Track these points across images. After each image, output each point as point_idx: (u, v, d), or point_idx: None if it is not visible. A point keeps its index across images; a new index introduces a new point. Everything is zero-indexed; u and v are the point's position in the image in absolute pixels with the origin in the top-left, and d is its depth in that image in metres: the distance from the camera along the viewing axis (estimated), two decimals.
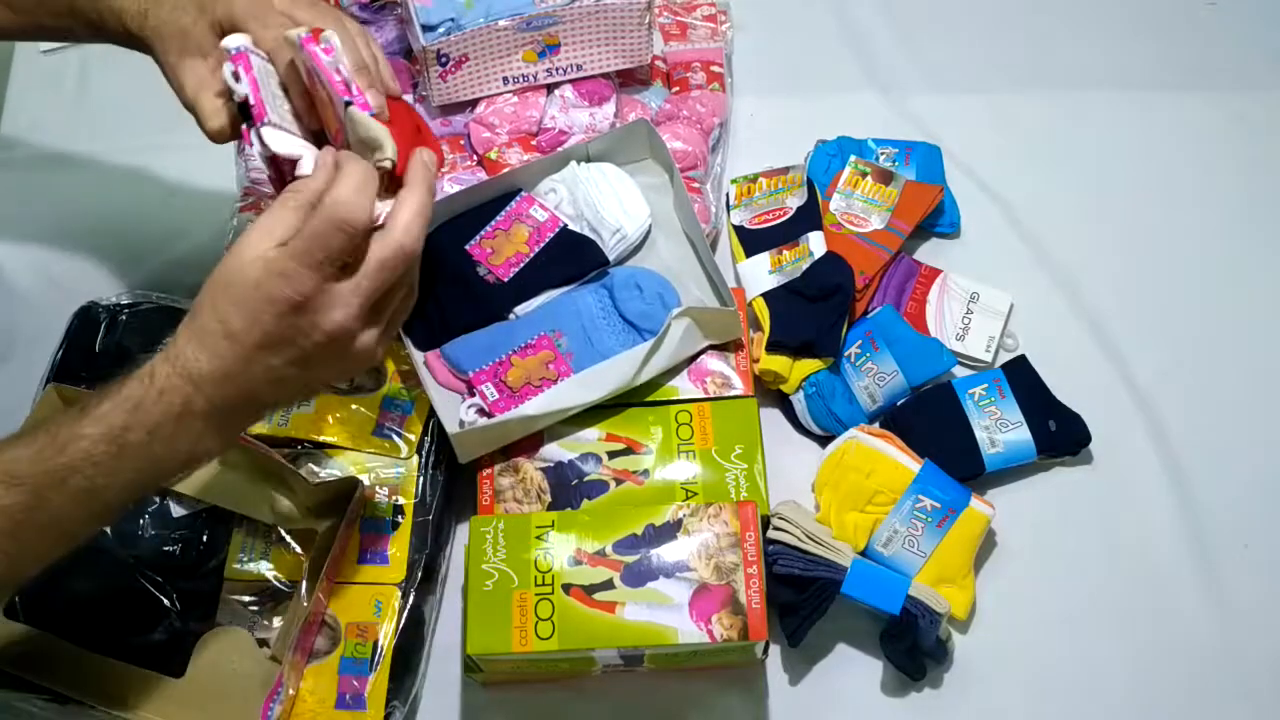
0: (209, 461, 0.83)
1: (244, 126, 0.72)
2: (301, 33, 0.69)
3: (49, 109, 1.16)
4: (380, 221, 0.66)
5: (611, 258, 0.95)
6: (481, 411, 0.89)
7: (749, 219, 1.02)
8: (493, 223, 0.96)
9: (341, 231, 0.62)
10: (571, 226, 0.96)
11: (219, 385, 0.63)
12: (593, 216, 0.96)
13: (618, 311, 0.93)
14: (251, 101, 0.69)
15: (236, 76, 0.70)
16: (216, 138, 0.74)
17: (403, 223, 0.65)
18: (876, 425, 0.94)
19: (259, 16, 0.72)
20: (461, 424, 0.89)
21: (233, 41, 0.70)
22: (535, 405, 0.86)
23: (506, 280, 0.95)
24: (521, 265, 0.94)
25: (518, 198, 0.97)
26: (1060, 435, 0.93)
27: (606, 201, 0.96)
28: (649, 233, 0.98)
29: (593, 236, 0.96)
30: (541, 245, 0.95)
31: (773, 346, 0.94)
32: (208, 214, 1.05)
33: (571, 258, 0.95)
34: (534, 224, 0.96)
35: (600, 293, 0.94)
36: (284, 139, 0.69)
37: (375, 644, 0.82)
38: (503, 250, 0.95)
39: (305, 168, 0.69)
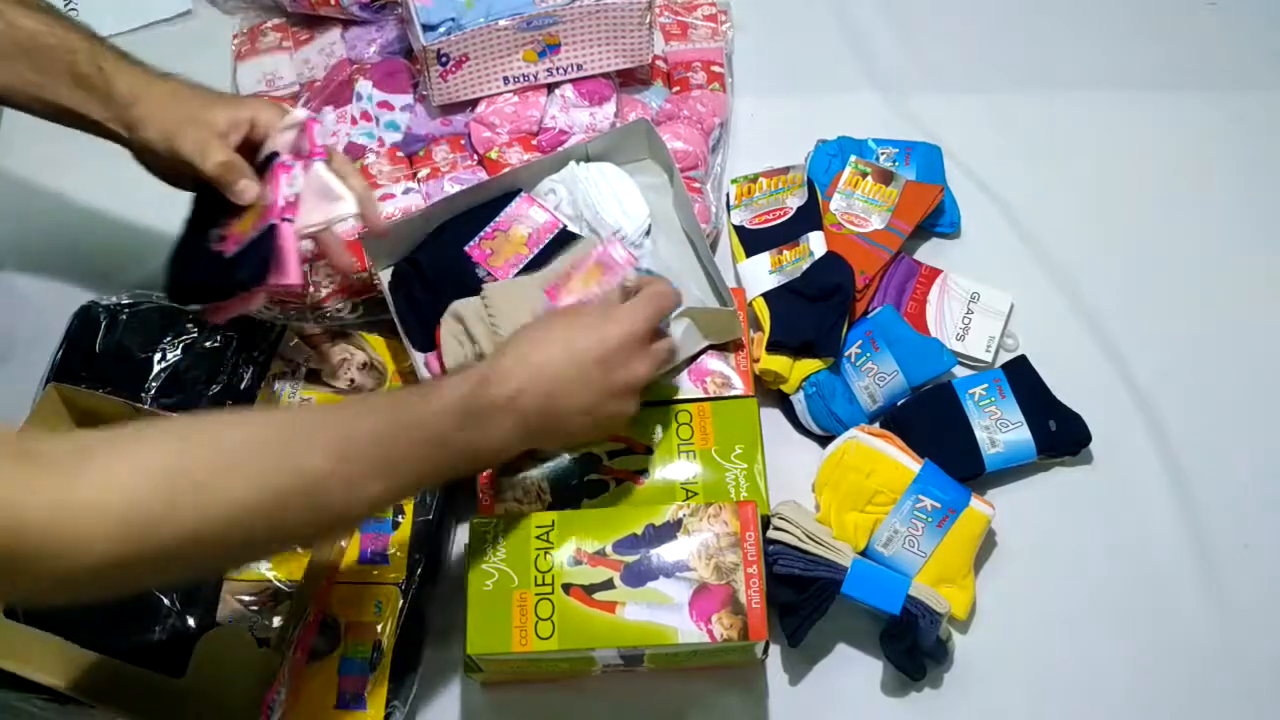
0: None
1: (278, 162, 0.83)
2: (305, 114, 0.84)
3: None
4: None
5: None
6: None
7: (749, 219, 1.02)
8: (492, 224, 0.96)
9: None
10: (571, 227, 0.96)
11: (547, 391, 0.73)
12: (592, 217, 0.95)
13: None
14: (318, 142, 0.84)
15: (304, 129, 0.84)
16: (220, 170, 0.81)
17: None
18: (876, 425, 0.94)
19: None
20: None
21: (304, 113, 0.84)
22: None
23: None
24: (521, 266, 0.94)
25: (517, 199, 0.97)
26: (1060, 435, 0.93)
27: (606, 202, 0.95)
28: (649, 233, 0.98)
29: (592, 237, 0.95)
30: (541, 246, 0.95)
31: (773, 346, 0.94)
32: None
33: None
34: (533, 225, 0.96)
35: None
36: (332, 179, 0.83)
37: (375, 644, 0.82)
38: (502, 251, 0.94)
39: (348, 208, 0.83)
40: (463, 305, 0.89)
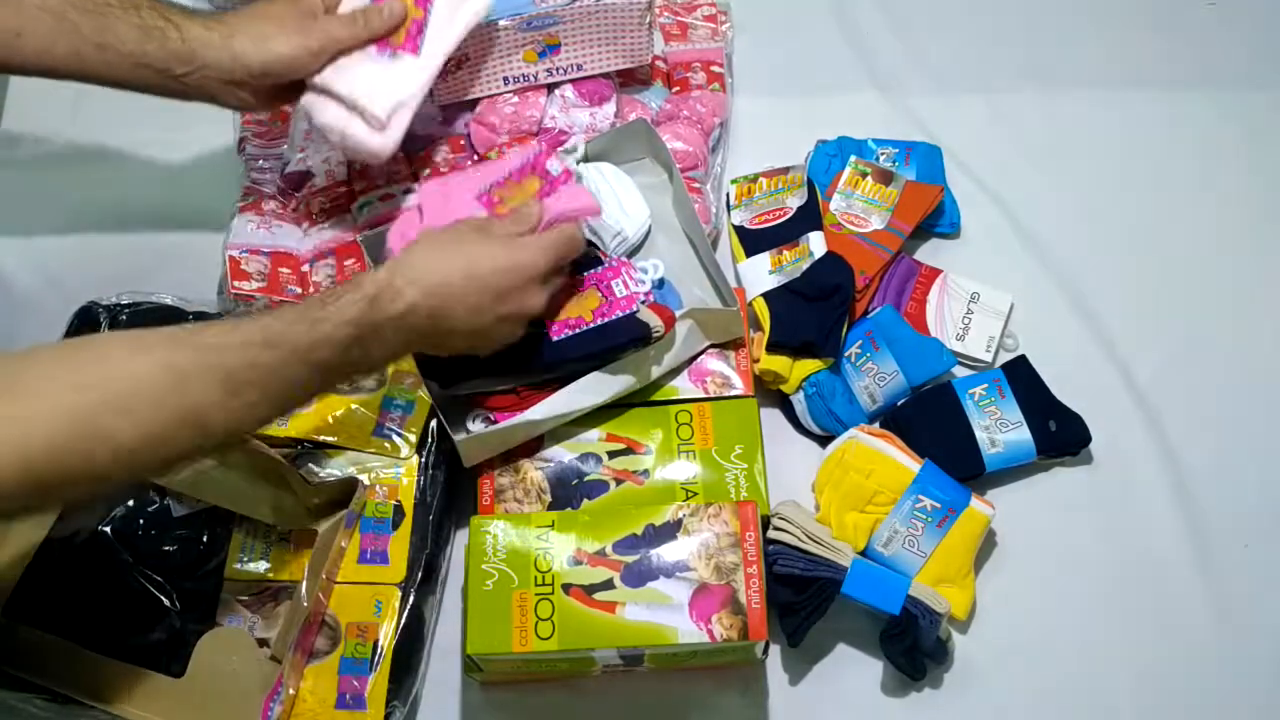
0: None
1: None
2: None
3: (49, 108, 1.16)
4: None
5: None
6: (487, 420, 0.88)
7: (749, 219, 1.02)
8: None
9: None
10: None
11: (437, 308, 0.75)
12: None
13: None
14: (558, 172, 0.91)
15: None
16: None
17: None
18: (876, 425, 0.94)
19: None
20: (468, 430, 0.88)
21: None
22: (540, 410, 0.86)
23: None
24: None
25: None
26: (1060, 435, 0.93)
27: (606, 203, 0.95)
28: (649, 233, 0.98)
29: (593, 239, 0.95)
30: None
31: (773, 346, 0.94)
32: (208, 214, 1.05)
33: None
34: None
35: None
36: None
37: (375, 644, 0.82)
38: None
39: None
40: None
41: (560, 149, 0.95)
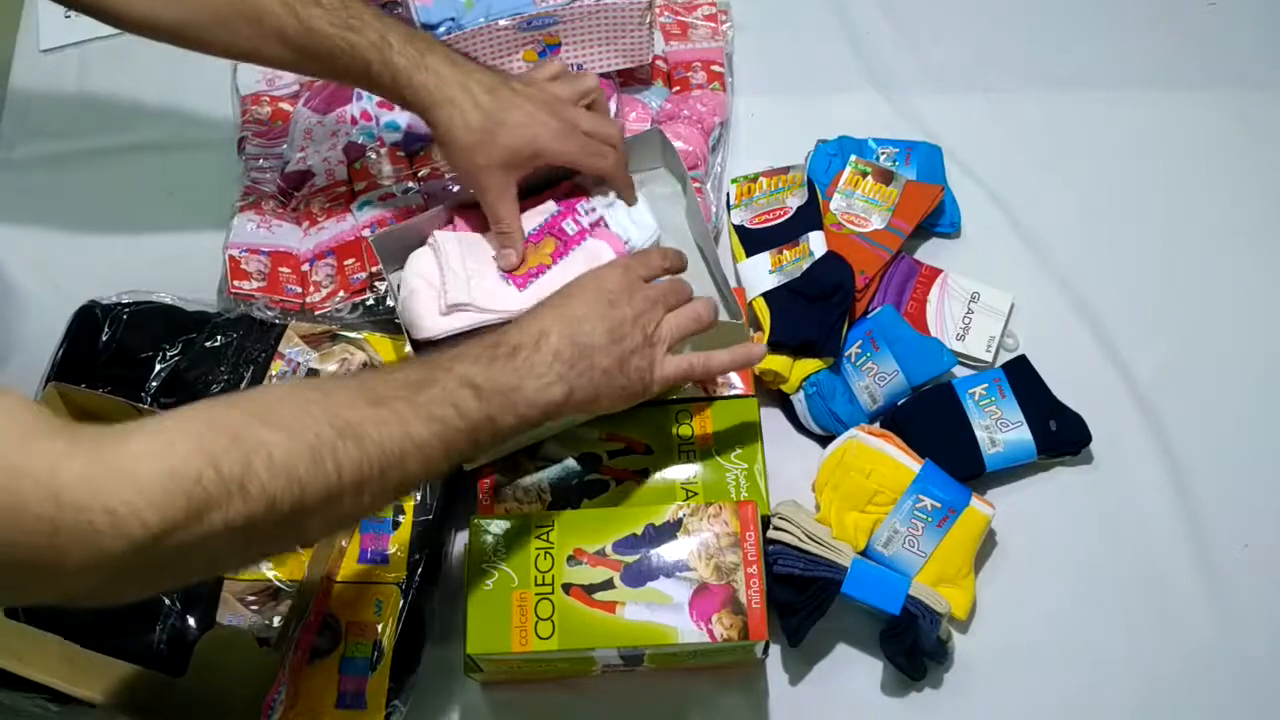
0: None
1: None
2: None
3: (49, 108, 1.16)
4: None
5: None
6: None
7: (749, 219, 1.02)
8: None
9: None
10: None
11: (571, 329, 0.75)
12: None
13: None
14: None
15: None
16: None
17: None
18: (877, 425, 0.94)
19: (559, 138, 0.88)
20: None
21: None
22: None
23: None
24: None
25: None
26: (1060, 435, 0.93)
27: (615, 212, 0.95)
28: (657, 245, 0.97)
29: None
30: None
31: (773, 346, 0.94)
32: (208, 214, 1.05)
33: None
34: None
35: None
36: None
37: (375, 644, 0.83)
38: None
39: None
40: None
41: (588, 203, 0.94)
